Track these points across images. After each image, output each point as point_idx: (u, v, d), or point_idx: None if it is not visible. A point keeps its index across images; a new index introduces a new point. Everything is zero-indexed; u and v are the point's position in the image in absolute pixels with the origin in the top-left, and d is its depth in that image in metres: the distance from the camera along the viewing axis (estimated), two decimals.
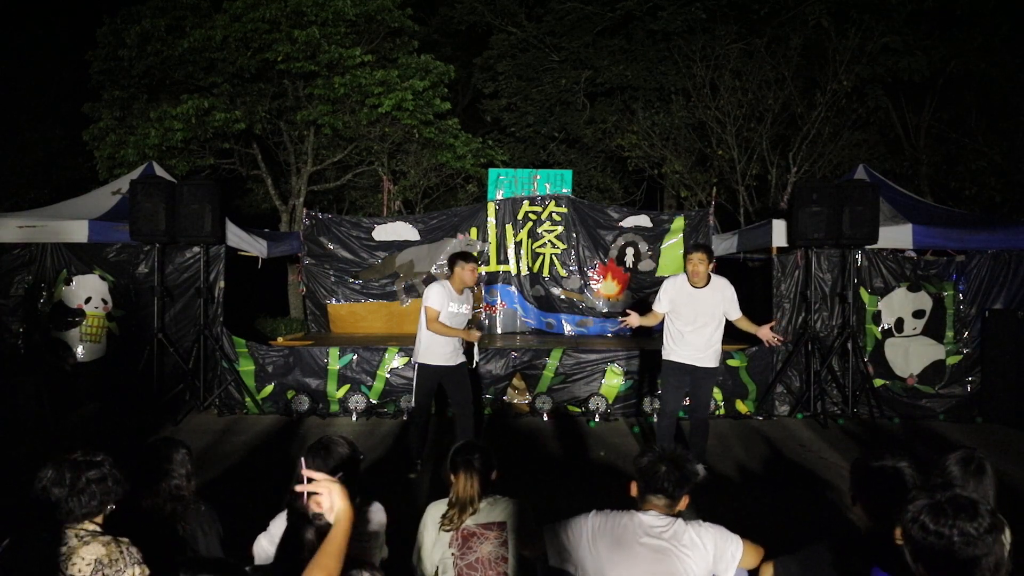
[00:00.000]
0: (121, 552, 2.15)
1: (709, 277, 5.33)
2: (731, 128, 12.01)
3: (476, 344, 5.77)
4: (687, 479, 2.51)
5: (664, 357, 5.49)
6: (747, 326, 5.43)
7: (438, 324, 5.33)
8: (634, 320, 5.35)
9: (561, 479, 5.43)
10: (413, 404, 5.64)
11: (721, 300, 5.31)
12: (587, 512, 2.59)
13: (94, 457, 2.29)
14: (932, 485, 1.91)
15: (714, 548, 2.46)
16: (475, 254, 6.89)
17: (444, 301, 5.37)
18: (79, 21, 14.04)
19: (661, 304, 5.45)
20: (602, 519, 2.53)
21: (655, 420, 6.31)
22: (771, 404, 7.38)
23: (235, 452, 6.08)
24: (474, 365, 5.92)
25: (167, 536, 2.54)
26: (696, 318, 5.29)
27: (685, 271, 5.39)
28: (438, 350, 5.41)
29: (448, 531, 2.75)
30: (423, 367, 5.45)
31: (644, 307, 9.06)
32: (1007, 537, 2.39)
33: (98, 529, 2.21)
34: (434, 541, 2.78)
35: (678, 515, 2.53)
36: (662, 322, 5.52)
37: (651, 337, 8.69)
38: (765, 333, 5.33)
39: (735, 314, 5.39)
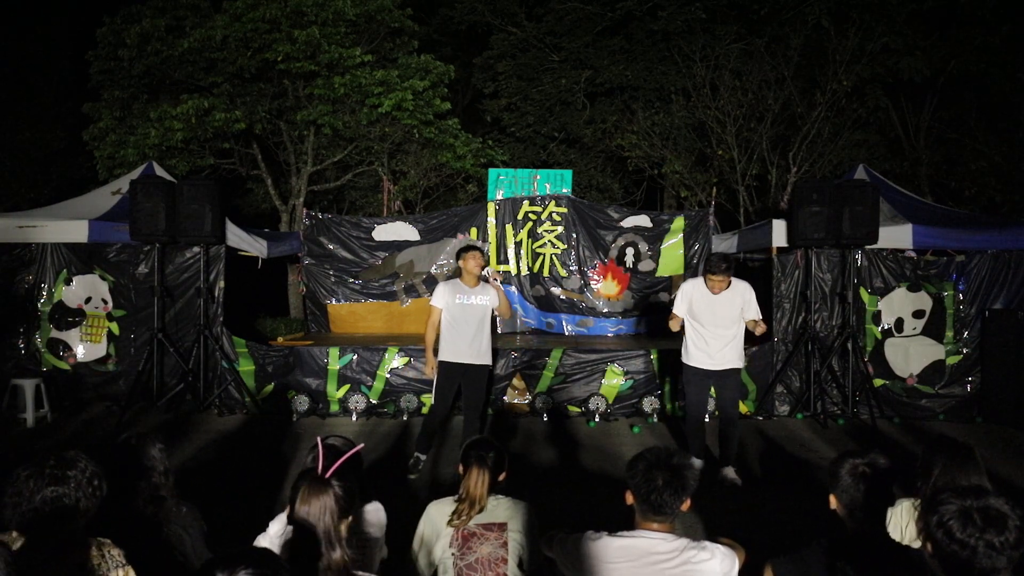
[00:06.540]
0: (103, 556, 2.04)
1: (729, 283, 5.27)
2: (731, 128, 12.00)
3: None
4: (686, 487, 2.35)
5: (684, 361, 5.43)
6: (750, 326, 5.36)
7: (430, 328, 5.40)
8: (676, 324, 5.33)
9: (561, 480, 5.43)
10: (433, 403, 5.55)
11: (741, 303, 5.25)
12: (584, 533, 2.43)
13: (67, 470, 2.04)
14: (962, 489, 1.82)
15: (720, 568, 2.41)
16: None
17: (447, 298, 5.36)
18: (79, 21, 14.05)
19: (679, 307, 5.41)
20: (605, 544, 2.36)
21: (684, 418, 5.95)
22: (771, 404, 7.37)
23: (235, 452, 6.09)
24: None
25: (153, 539, 2.45)
26: (715, 320, 5.26)
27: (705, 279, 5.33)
28: (458, 346, 5.33)
29: (455, 526, 2.73)
30: (443, 364, 5.36)
31: (649, 307, 9.14)
32: None
33: None
34: (434, 540, 2.78)
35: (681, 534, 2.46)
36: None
37: (651, 338, 8.70)
38: (758, 328, 5.29)
39: (751, 315, 5.31)
